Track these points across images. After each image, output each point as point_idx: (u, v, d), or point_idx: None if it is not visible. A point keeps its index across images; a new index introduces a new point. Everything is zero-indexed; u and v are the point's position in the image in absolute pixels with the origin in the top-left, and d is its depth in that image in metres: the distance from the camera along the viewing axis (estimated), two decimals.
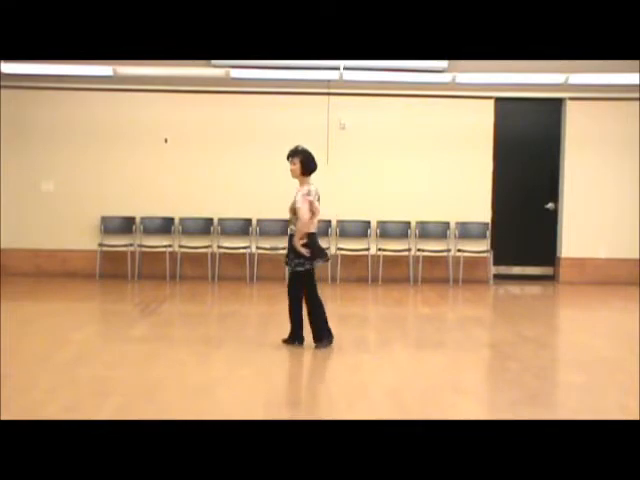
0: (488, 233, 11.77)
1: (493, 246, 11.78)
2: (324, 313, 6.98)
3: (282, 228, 11.56)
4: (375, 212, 11.69)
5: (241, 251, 11.42)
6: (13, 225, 11.57)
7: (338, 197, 11.68)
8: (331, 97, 11.52)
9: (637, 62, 10.04)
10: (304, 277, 6.94)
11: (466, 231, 11.76)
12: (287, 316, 7.12)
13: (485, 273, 11.72)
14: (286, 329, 7.12)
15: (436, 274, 11.66)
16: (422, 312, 9.92)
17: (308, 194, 6.92)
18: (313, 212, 6.92)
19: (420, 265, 11.55)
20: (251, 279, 11.32)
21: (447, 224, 11.76)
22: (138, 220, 11.66)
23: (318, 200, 7.02)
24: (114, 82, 11.29)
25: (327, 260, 7.12)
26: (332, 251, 11.55)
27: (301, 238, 6.83)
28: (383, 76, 11.08)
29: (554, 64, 10.00)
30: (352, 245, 11.62)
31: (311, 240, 6.90)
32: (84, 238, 11.59)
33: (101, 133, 11.61)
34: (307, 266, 6.91)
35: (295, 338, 7.01)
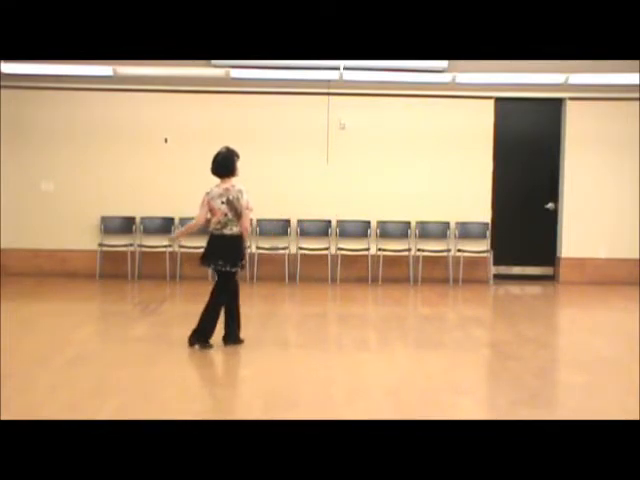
0: (488, 233, 11.77)
1: (493, 246, 11.78)
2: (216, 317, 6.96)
3: (281, 228, 11.58)
4: (375, 212, 11.69)
5: None
6: (13, 225, 11.57)
7: (338, 197, 11.70)
8: (331, 97, 11.52)
9: (637, 62, 10.03)
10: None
11: (466, 231, 11.76)
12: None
13: (485, 273, 11.72)
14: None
15: (436, 274, 11.66)
16: (422, 312, 9.93)
17: (208, 193, 6.98)
18: (211, 211, 6.94)
19: (420, 265, 11.55)
20: (251, 279, 11.31)
21: (447, 224, 11.76)
22: (138, 220, 11.66)
23: (226, 202, 6.87)
24: (114, 82, 11.29)
25: (208, 267, 7.16)
26: (332, 251, 11.57)
27: (186, 232, 7.46)
28: (383, 76, 11.08)
29: (554, 64, 9.98)
30: (352, 245, 11.62)
31: (208, 241, 7.01)
32: (84, 238, 11.59)
33: (101, 133, 11.61)
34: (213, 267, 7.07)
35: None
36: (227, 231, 6.89)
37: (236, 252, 6.94)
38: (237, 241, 6.94)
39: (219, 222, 6.90)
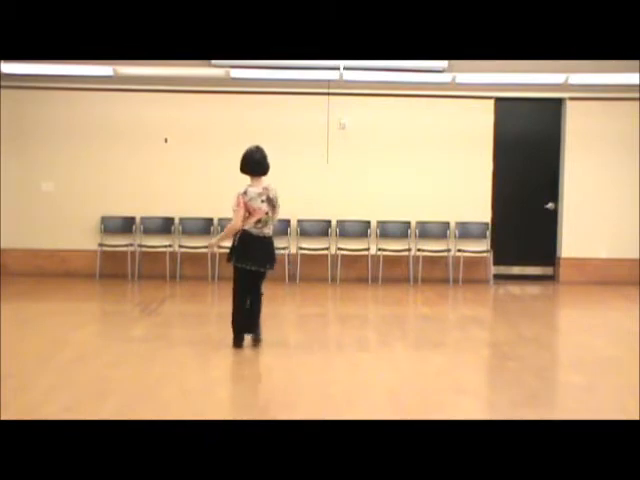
0: (488, 233, 11.77)
1: (493, 246, 11.77)
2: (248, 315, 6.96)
3: (281, 228, 11.57)
4: (375, 212, 11.68)
5: None
6: (13, 225, 11.57)
7: (338, 197, 11.69)
8: (331, 97, 11.52)
9: (637, 62, 10.03)
10: (241, 275, 6.93)
11: (466, 231, 11.75)
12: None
13: (485, 273, 11.72)
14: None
15: (436, 274, 11.65)
16: (422, 312, 9.92)
17: (244, 194, 6.87)
18: (250, 213, 6.86)
19: (420, 265, 11.55)
20: None
21: (447, 224, 11.76)
22: (138, 220, 11.66)
23: (267, 201, 6.90)
24: (114, 82, 11.29)
25: (245, 266, 6.95)
26: (332, 251, 11.56)
27: (227, 236, 7.02)
28: (383, 76, 11.08)
29: (554, 64, 9.99)
30: (352, 245, 11.61)
31: (243, 240, 6.87)
32: (84, 238, 11.58)
33: (101, 133, 11.60)
34: (248, 267, 6.88)
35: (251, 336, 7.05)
36: (267, 230, 6.95)
37: (274, 252, 7.03)
38: (272, 241, 7.05)
39: (260, 221, 6.89)
